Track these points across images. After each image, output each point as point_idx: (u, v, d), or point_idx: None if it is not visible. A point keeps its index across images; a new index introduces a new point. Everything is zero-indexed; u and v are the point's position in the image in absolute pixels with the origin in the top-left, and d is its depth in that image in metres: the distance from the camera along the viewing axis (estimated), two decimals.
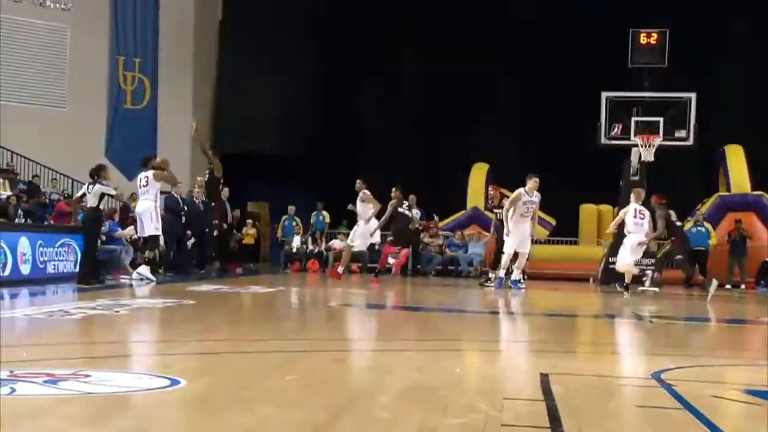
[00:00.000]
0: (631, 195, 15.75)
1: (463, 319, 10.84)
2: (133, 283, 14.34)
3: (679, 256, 16.61)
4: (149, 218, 14.72)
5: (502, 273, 15.92)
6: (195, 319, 9.22)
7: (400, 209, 17.28)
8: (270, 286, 14.85)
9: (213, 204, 16.36)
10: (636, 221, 15.22)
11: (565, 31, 25.72)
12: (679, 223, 16.91)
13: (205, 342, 7.12)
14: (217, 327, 8.44)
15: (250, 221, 23.87)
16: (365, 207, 17.04)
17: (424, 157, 26.03)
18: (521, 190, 15.59)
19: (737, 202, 21.89)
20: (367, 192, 17.13)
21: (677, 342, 8.74)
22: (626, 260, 15.30)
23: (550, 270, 21.91)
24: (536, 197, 15.66)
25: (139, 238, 15.93)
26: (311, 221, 22.98)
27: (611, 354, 7.53)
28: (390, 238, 17.96)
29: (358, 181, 17.36)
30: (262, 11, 25.87)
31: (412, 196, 20.61)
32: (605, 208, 23.80)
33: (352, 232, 17.51)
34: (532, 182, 15.57)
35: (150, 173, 14.83)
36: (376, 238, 17.61)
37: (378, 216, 17.10)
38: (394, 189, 17.38)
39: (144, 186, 14.84)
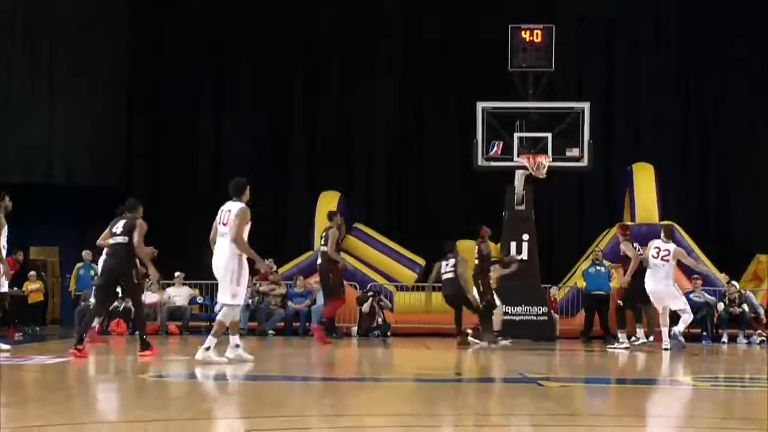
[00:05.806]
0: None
1: (310, 389, 10.84)
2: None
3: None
4: None
5: None
6: None
7: None
8: (60, 355, 14.48)
9: None
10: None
11: (430, 28, 26.19)
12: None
13: None
14: None
15: (33, 272, 23.24)
16: None
17: (259, 186, 25.89)
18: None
19: (644, 234, 22.43)
20: None
21: (574, 408, 8.97)
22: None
23: (419, 323, 22.10)
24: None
25: None
26: None
27: (490, 427, 7.66)
28: None
29: None
30: None
31: None
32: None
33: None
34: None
35: None
36: None
37: None
38: None
39: None
